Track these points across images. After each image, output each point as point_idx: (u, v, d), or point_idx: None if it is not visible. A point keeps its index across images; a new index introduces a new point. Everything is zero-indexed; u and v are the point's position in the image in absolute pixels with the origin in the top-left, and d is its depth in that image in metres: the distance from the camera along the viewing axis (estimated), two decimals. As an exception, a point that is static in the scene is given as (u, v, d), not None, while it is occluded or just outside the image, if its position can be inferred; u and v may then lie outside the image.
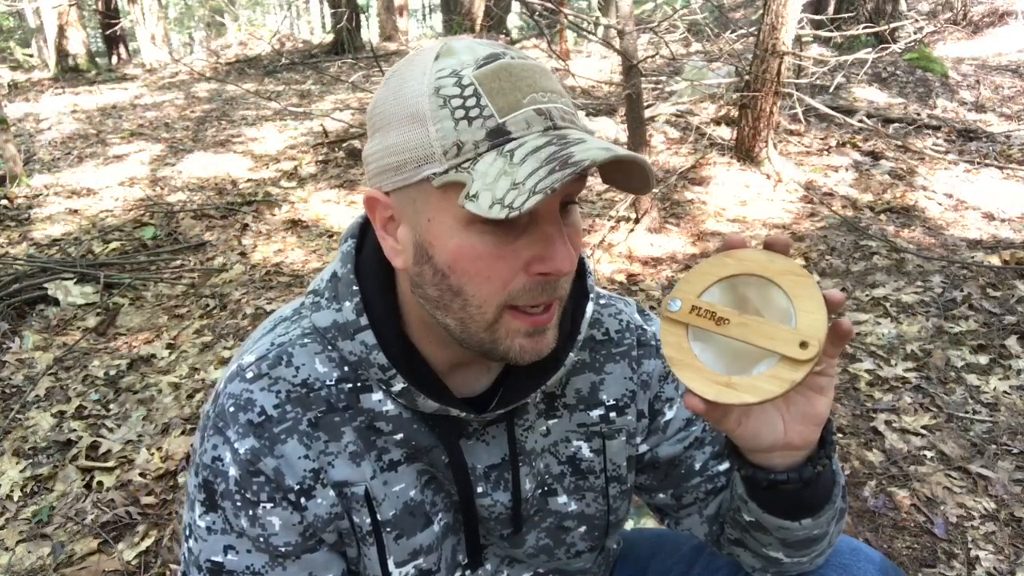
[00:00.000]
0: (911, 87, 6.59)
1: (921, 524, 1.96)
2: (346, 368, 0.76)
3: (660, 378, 0.89)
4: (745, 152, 4.90)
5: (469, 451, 0.80)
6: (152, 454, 2.38)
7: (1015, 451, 2.22)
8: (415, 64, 0.66)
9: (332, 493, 0.75)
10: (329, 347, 0.76)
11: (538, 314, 0.68)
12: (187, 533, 0.78)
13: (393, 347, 0.73)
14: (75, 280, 3.60)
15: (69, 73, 10.78)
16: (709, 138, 5.35)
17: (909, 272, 3.47)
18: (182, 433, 2.48)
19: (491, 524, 0.84)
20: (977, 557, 1.84)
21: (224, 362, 2.94)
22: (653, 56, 4.63)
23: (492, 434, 0.81)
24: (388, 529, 0.78)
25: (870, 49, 5.55)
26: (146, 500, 2.17)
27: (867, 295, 3.28)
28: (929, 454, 2.23)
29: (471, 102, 0.62)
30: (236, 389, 0.74)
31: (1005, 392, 2.52)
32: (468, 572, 0.86)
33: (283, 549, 0.75)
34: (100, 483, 2.25)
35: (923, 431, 2.33)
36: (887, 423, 2.37)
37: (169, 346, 3.12)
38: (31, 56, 14.47)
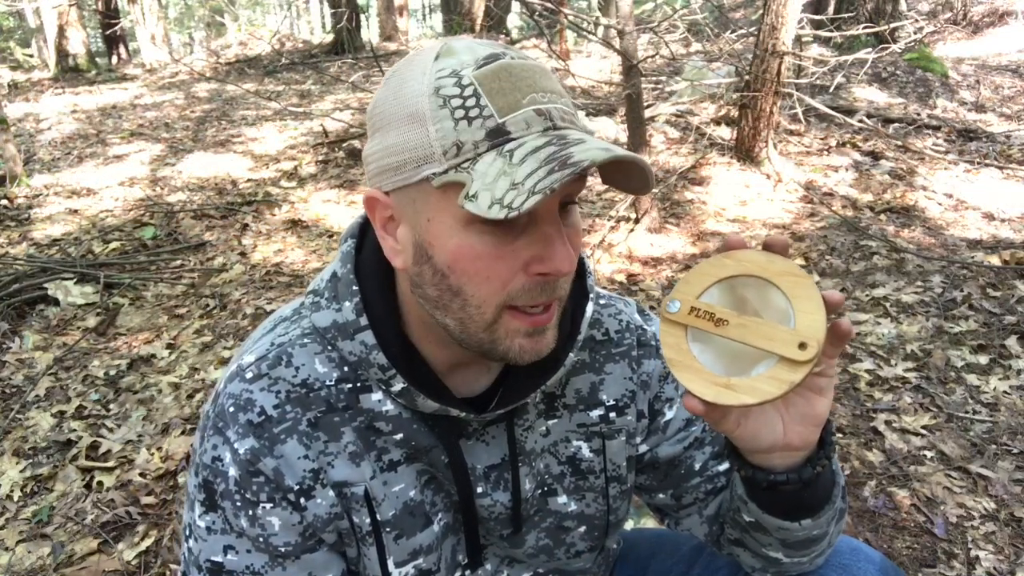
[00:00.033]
0: (911, 87, 6.59)
1: (921, 524, 1.96)
2: (346, 368, 0.76)
3: (660, 378, 0.89)
4: (745, 152, 4.90)
5: (469, 451, 0.80)
6: (152, 454, 2.38)
7: (1015, 451, 2.22)
8: (415, 64, 0.66)
9: (332, 493, 0.75)
10: (329, 347, 0.76)
11: (538, 314, 0.68)
12: (187, 533, 0.78)
13: (393, 347, 0.73)
14: (75, 280, 3.60)
15: (69, 73, 10.78)
16: (709, 138, 5.35)
17: (909, 272, 3.47)
18: (182, 433, 2.48)
19: (491, 524, 0.84)
20: (977, 557, 1.84)
21: (224, 362, 2.94)
22: (653, 56, 4.63)
23: (492, 434, 0.81)
24: (388, 529, 0.78)
25: (870, 49, 5.55)
26: (146, 500, 2.17)
27: (867, 295, 3.28)
28: (929, 454, 2.23)
29: (471, 102, 0.62)
30: (236, 389, 0.74)
31: (1005, 392, 2.52)
32: (468, 572, 0.86)
33: (283, 549, 0.75)
34: (100, 483, 2.25)
35: (923, 431, 2.33)
36: (887, 423, 2.37)
37: (169, 346, 3.12)
38: (31, 56, 14.47)
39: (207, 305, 3.49)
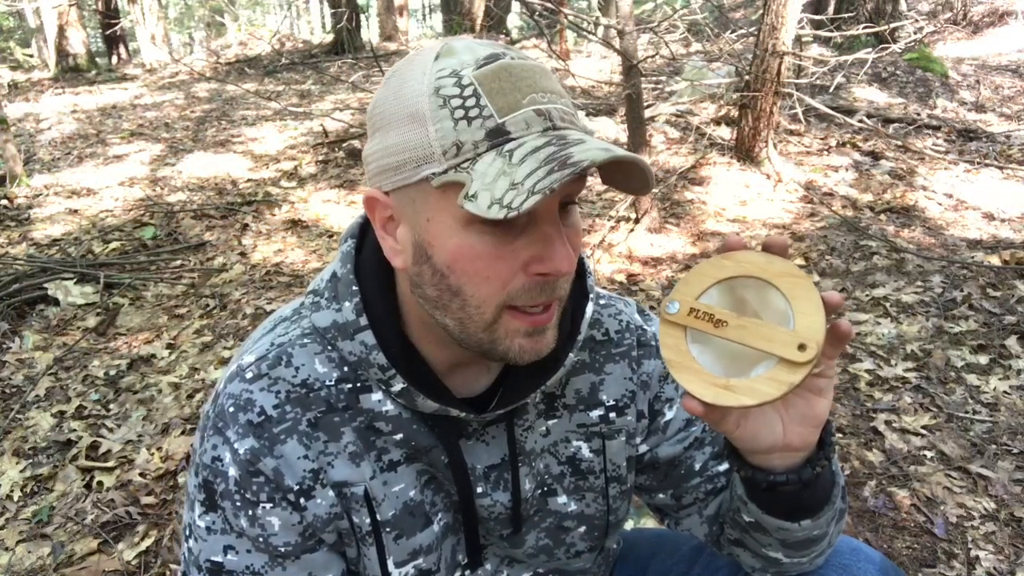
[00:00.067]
0: (911, 87, 6.59)
1: (921, 524, 1.96)
2: (346, 368, 0.76)
3: (660, 378, 0.89)
4: (745, 152, 4.90)
5: (469, 451, 0.80)
6: (152, 454, 2.38)
7: (1015, 451, 2.23)
8: (415, 64, 0.66)
9: (331, 493, 0.75)
10: (329, 347, 0.76)
11: (537, 314, 0.68)
12: (187, 533, 0.78)
13: (393, 347, 0.73)
14: (75, 280, 3.60)
15: (69, 73, 10.78)
16: (709, 138, 5.35)
17: (909, 272, 3.47)
18: (182, 433, 2.48)
19: (491, 524, 0.84)
20: (977, 557, 1.84)
21: (224, 362, 2.94)
22: (653, 56, 4.63)
23: (492, 434, 0.81)
24: (388, 529, 0.78)
25: (870, 49, 5.55)
26: (146, 500, 2.17)
27: (867, 295, 3.28)
28: (929, 454, 2.23)
29: (471, 102, 0.62)
30: (236, 389, 0.74)
31: (1005, 392, 2.52)
32: (468, 572, 0.86)
33: (283, 549, 0.75)
34: (100, 483, 2.25)
35: (923, 431, 2.33)
36: (887, 423, 2.37)
37: (169, 346, 3.12)
38: (31, 56, 14.48)
39: (207, 305, 3.49)
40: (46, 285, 3.54)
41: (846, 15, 7.56)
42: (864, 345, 2.85)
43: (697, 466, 0.89)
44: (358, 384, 0.75)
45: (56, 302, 3.48)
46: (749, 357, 0.61)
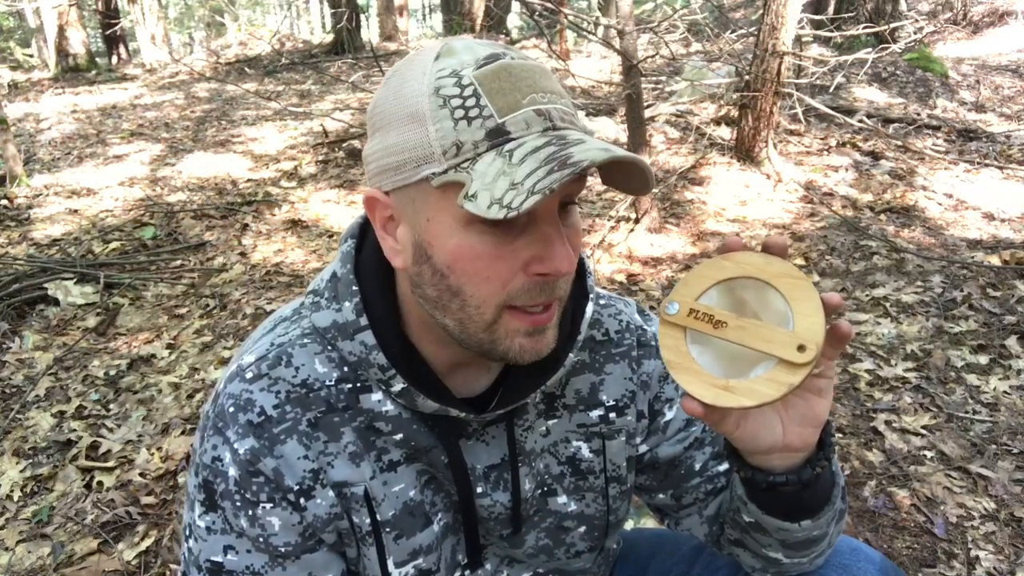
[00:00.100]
0: (911, 87, 6.59)
1: (921, 524, 1.96)
2: (346, 368, 0.76)
3: (660, 379, 0.90)
4: (745, 152, 4.90)
5: (469, 451, 0.80)
6: (152, 454, 2.38)
7: (1015, 451, 2.23)
8: (415, 64, 0.66)
9: (331, 493, 0.75)
10: (329, 347, 0.76)
11: (538, 313, 0.68)
12: (187, 533, 0.78)
13: (393, 347, 0.73)
14: (75, 280, 3.60)
15: (69, 73, 10.78)
16: (709, 138, 5.35)
17: (909, 272, 3.47)
18: (182, 433, 2.48)
19: (491, 524, 0.84)
20: (977, 557, 1.84)
21: (224, 362, 2.94)
22: (653, 56, 4.63)
23: (492, 434, 0.81)
24: (388, 529, 0.78)
25: (870, 49, 5.55)
26: (146, 500, 2.17)
27: (867, 295, 3.28)
28: (929, 454, 2.23)
29: (471, 102, 0.62)
30: (236, 389, 0.75)
31: (1005, 392, 2.52)
32: (468, 572, 0.86)
33: (283, 549, 0.75)
34: (100, 483, 2.25)
35: (923, 431, 2.33)
36: (887, 423, 2.37)
37: (169, 346, 3.12)
38: (31, 56, 14.48)
39: (207, 305, 3.49)
40: (46, 285, 3.54)
41: (846, 15, 7.56)
42: (864, 345, 2.85)
43: (697, 466, 0.89)
44: (358, 384, 0.75)
45: (56, 302, 3.48)
46: (748, 358, 0.61)
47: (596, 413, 0.86)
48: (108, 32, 11.93)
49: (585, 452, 0.86)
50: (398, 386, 0.72)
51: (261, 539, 0.74)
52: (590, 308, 0.80)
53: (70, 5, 10.83)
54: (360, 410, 0.75)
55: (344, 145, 5.81)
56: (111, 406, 2.71)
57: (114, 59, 12.21)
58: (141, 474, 2.28)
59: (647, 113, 4.96)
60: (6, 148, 5.13)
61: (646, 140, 4.06)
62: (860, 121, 5.43)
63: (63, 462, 2.37)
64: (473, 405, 0.77)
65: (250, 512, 0.73)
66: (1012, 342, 2.80)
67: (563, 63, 6.69)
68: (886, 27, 5.40)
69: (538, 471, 0.85)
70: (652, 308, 3.13)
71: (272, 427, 0.73)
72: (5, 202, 4.92)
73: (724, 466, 0.90)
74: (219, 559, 0.75)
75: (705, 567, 0.98)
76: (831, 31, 5.26)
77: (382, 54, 9.61)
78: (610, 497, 0.88)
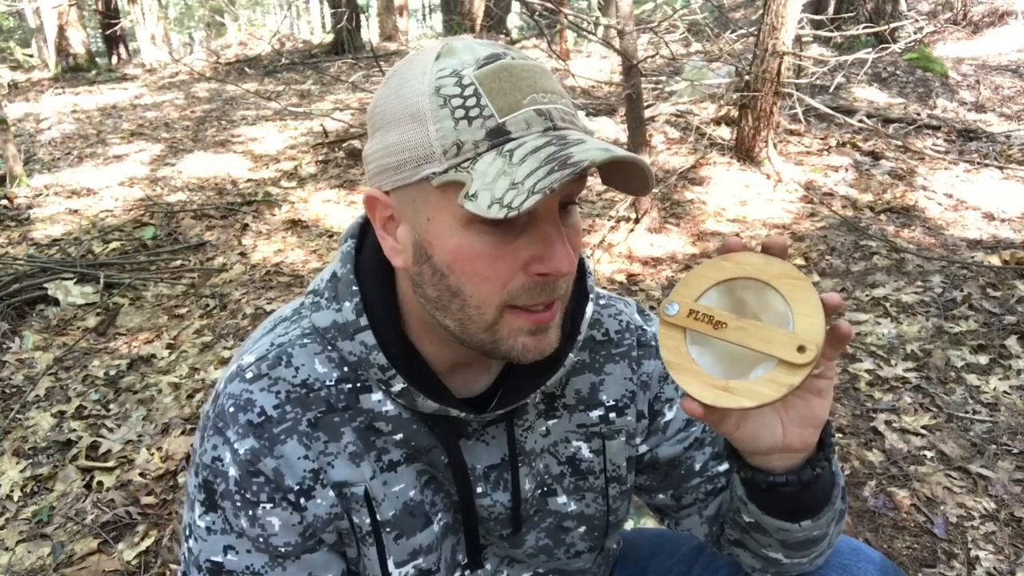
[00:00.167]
0: (911, 87, 6.59)
1: (921, 524, 1.96)
2: (346, 368, 0.76)
3: (660, 379, 0.90)
4: (745, 152, 4.90)
5: (469, 451, 0.80)
6: (152, 454, 2.38)
7: (1015, 451, 2.23)
8: (416, 64, 0.66)
9: (332, 493, 0.75)
10: (329, 347, 0.76)
11: (540, 312, 0.68)
12: (187, 533, 0.78)
13: (393, 347, 0.73)
14: (75, 280, 3.60)
15: (69, 73, 10.78)
16: (709, 138, 5.35)
17: (909, 272, 3.47)
18: (182, 433, 2.48)
19: (491, 524, 0.84)
20: (977, 557, 1.84)
21: (224, 362, 2.94)
22: (653, 56, 4.63)
23: (492, 434, 0.81)
24: (388, 529, 0.78)
25: (870, 49, 5.55)
26: (146, 500, 2.17)
27: (867, 295, 3.28)
28: (929, 454, 2.23)
29: (471, 102, 0.62)
30: (236, 389, 0.75)
31: (1005, 392, 2.52)
32: (468, 572, 0.86)
33: (283, 549, 0.75)
34: (100, 483, 2.25)
35: (923, 431, 2.33)
36: (887, 423, 2.37)
37: (169, 346, 3.13)
38: (31, 56, 14.48)
39: (207, 305, 3.49)
40: (46, 285, 3.54)
41: (846, 15, 7.56)
42: (864, 345, 2.85)
43: (697, 466, 0.89)
44: (358, 384, 0.75)
45: (56, 302, 3.48)
46: (748, 359, 0.61)
47: (596, 413, 0.86)
48: (108, 32, 11.93)
49: (585, 452, 0.86)
50: (398, 386, 0.72)
51: (261, 539, 0.74)
52: (590, 308, 0.80)
53: (70, 5, 10.83)
54: (360, 410, 0.75)
55: (344, 145, 5.81)
56: (111, 406, 2.71)
57: (114, 59, 12.21)
58: (141, 474, 2.28)
59: (647, 113, 4.96)
60: (6, 148, 5.13)
61: (646, 140, 4.06)
62: (860, 121, 5.43)
63: (63, 462, 2.37)
64: (473, 405, 0.77)
65: (250, 512, 0.73)
66: (1012, 342, 2.80)
67: (563, 63, 6.69)
68: (886, 27, 5.40)
69: (538, 471, 0.85)
70: (652, 308, 3.13)
71: (272, 427, 0.73)
72: (5, 202, 4.92)
73: (724, 466, 0.90)
74: (219, 559, 0.75)
75: (705, 567, 0.98)
76: (831, 31, 5.26)
77: (382, 54, 9.61)
78: (610, 497, 0.88)
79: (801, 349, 0.57)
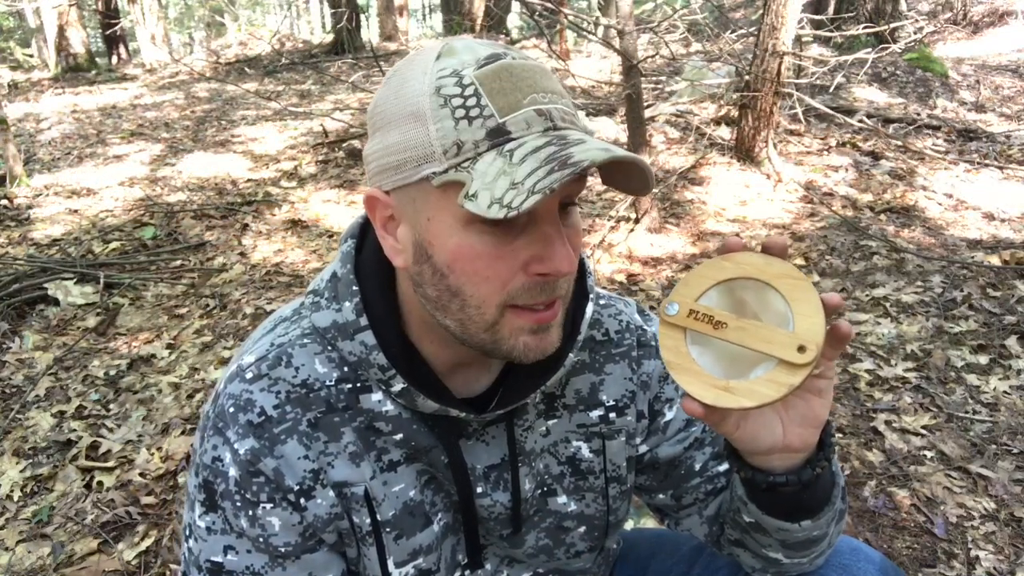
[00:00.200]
0: (911, 87, 6.59)
1: (921, 524, 1.96)
2: (346, 368, 0.76)
3: (660, 379, 0.89)
4: (745, 152, 4.90)
5: (469, 451, 0.80)
6: (152, 454, 2.38)
7: (1015, 451, 2.23)
8: (416, 63, 0.66)
9: (332, 493, 0.75)
10: (329, 347, 0.76)
11: (541, 311, 0.68)
12: (187, 533, 0.78)
13: (393, 347, 0.73)
14: (75, 280, 3.60)
15: (69, 73, 10.78)
16: (709, 138, 5.35)
17: (909, 272, 3.47)
18: (182, 433, 2.48)
19: (491, 524, 0.84)
20: (977, 557, 1.84)
21: (224, 362, 2.94)
22: (653, 56, 4.63)
23: (492, 434, 0.81)
24: (388, 529, 0.78)
25: (870, 49, 5.55)
26: (146, 500, 2.17)
27: (867, 295, 3.28)
28: (929, 454, 2.23)
29: (471, 102, 0.62)
30: (236, 390, 0.75)
31: (1005, 392, 2.52)
32: (468, 572, 0.86)
33: (283, 549, 0.75)
34: (100, 483, 2.25)
35: (923, 431, 2.33)
36: (887, 423, 2.37)
37: (169, 346, 3.12)
38: (31, 56, 14.48)
39: (207, 305, 3.49)
40: (46, 285, 3.54)
41: (846, 15, 7.56)
42: (864, 345, 2.85)
43: (697, 466, 0.89)
44: (358, 384, 0.75)
45: (56, 302, 3.48)
46: (749, 359, 0.61)
47: (596, 413, 0.86)
48: (108, 32, 11.93)
49: (585, 452, 0.86)
50: (398, 386, 0.72)
51: (261, 539, 0.74)
52: (590, 308, 0.80)
53: (70, 5, 10.83)
54: (360, 410, 0.75)
55: (344, 145, 5.81)
56: (111, 406, 2.71)
57: (114, 59, 12.21)
58: (141, 474, 2.28)
59: (647, 113, 4.96)
60: (6, 148, 5.13)
61: (646, 140, 4.06)
62: (860, 121, 5.43)
63: (63, 462, 2.37)
64: (473, 405, 0.77)
65: (250, 512, 0.73)
66: (1012, 342, 2.80)
67: (563, 63, 6.69)
68: (886, 27, 5.40)
69: (538, 471, 0.85)
70: (652, 308, 3.13)
71: (272, 427, 0.73)
72: (5, 202, 4.92)
73: (724, 466, 0.90)
74: (219, 559, 0.75)
75: (705, 567, 0.98)
76: (831, 31, 5.27)
77: (382, 54, 9.61)
78: (610, 497, 0.88)
79: (801, 349, 0.57)
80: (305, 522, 0.75)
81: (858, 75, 6.43)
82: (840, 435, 2.33)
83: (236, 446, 0.73)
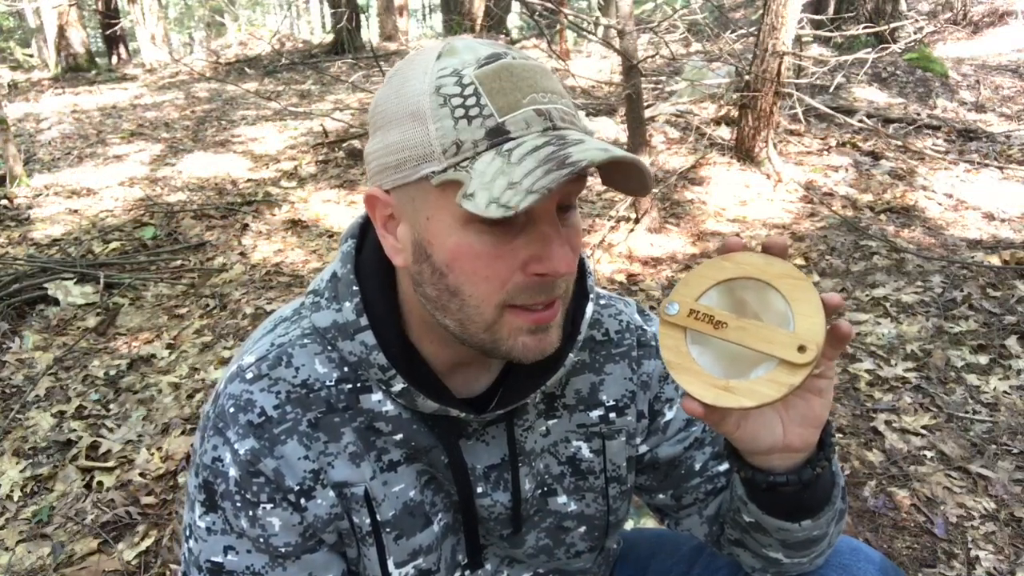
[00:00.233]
0: (911, 87, 6.59)
1: (921, 524, 1.96)
2: (346, 368, 0.76)
3: (660, 379, 0.89)
4: (745, 152, 4.90)
5: (469, 451, 0.80)
6: (152, 454, 2.38)
7: (1015, 451, 2.23)
8: (417, 63, 0.66)
9: (332, 494, 0.75)
10: (329, 347, 0.76)
11: (540, 311, 0.68)
12: (187, 533, 0.78)
13: (393, 347, 0.73)
14: (75, 280, 3.60)
15: (69, 73, 10.78)
16: (709, 138, 5.35)
17: (909, 272, 3.47)
18: (182, 433, 2.48)
19: (491, 524, 0.84)
20: (977, 557, 1.84)
21: (224, 362, 2.94)
22: (653, 56, 4.63)
23: (492, 434, 0.81)
24: (388, 529, 0.78)
25: (870, 49, 5.55)
26: (146, 500, 2.17)
27: (867, 295, 3.28)
28: (929, 454, 2.23)
29: (471, 101, 0.62)
30: (236, 390, 0.74)
31: (1005, 392, 2.52)
32: (468, 572, 0.86)
33: (283, 549, 0.75)
34: (100, 483, 2.25)
35: (923, 431, 2.33)
36: (887, 423, 2.37)
37: (169, 346, 3.12)
38: (31, 56, 14.48)
39: (207, 305, 3.49)
40: (46, 285, 3.54)
41: (846, 15, 7.56)
42: (864, 345, 2.85)
43: (697, 466, 0.89)
44: (358, 384, 0.75)
45: (56, 302, 3.48)
46: (749, 358, 0.61)
47: (596, 413, 0.86)
48: (108, 32, 11.93)
49: (585, 452, 0.86)
50: (398, 386, 0.72)
51: (261, 539, 0.74)
52: (590, 308, 0.80)
53: (70, 5, 10.83)
54: (360, 410, 0.75)
55: (344, 145, 5.81)
56: (111, 406, 2.71)
57: (114, 59, 12.21)
58: (141, 474, 2.28)
59: (647, 113, 4.96)
60: (6, 148, 5.13)
61: (646, 140, 4.06)
62: (860, 121, 5.43)
63: (63, 462, 2.37)
64: (473, 405, 0.77)
65: (250, 512, 0.73)
66: (1012, 342, 2.80)
67: (563, 63, 6.69)
68: (886, 27, 5.40)
69: (538, 471, 0.85)
70: (652, 308, 3.13)
71: (272, 427, 0.73)
72: (5, 202, 4.92)
73: (724, 466, 0.90)
74: (219, 559, 0.75)
75: (705, 567, 0.98)
76: (831, 31, 5.27)
77: (382, 54, 9.61)
78: (610, 497, 0.88)
79: (802, 349, 0.57)
80: (305, 522, 0.75)
81: (858, 75, 6.43)
82: (840, 435, 2.33)
83: (236, 446, 0.73)
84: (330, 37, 11.54)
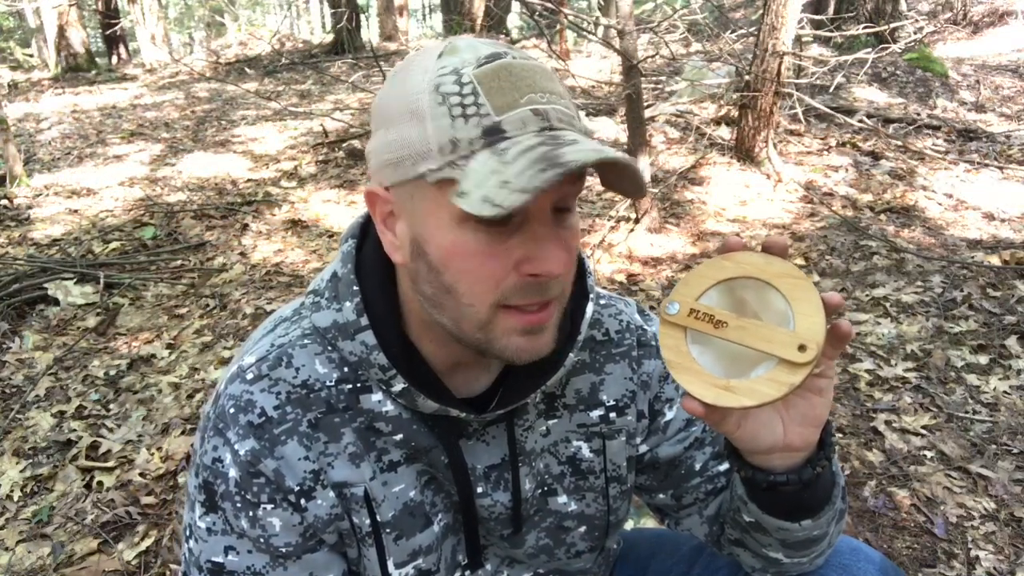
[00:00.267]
0: (911, 87, 6.59)
1: (921, 524, 1.96)
2: (346, 369, 0.76)
3: (660, 378, 0.89)
4: (745, 152, 4.90)
5: (469, 451, 0.80)
6: (152, 454, 2.38)
7: (1015, 451, 2.23)
8: (418, 61, 0.67)
9: (332, 494, 0.75)
10: (329, 348, 0.76)
11: (533, 312, 0.67)
12: (187, 534, 0.78)
13: (393, 347, 0.73)
14: (75, 280, 3.60)
15: (69, 73, 10.78)
16: (709, 138, 5.35)
17: (909, 272, 3.47)
18: (182, 433, 2.48)
19: (491, 524, 0.84)
20: (977, 557, 1.84)
21: (224, 362, 2.94)
22: (653, 56, 4.63)
23: (492, 434, 0.81)
24: (388, 530, 0.78)
25: (870, 49, 5.55)
26: (146, 500, 2.17)
27: (867, 295, 3.28)
28: (929, 454, 2.23)
29: (469, 100, 0.62)
30: (236, 390, 0.74)
31: (1005, 392, 2.52)
32: (468, 572, 0.86)
33: (283, 550, 0.75)
34: (100, 483, 2.25)
35: (923, 431, 2.33)
36: (887, 423, 2.37)
37: (169, 346, 3.12)
38: (31, 56, 14.48)
39: (207, 305, 3.49)
40: (46, 285, 3.54)
41: (846, 15, 7.56)
42: (864, 345, 2.85)
43: (697, 466, 0.89)
44: (358, 384, 0.75)
45: (56, 302, 3.48)
46: (749, 358, 0.61)
47: (596, 413, 0.86)
48: (108, 32, 11.93)
49: (585, 452, 0.86)
50: (398, 386, 0.72)
51: (262, 540, 0.74)
52: (590, 308, 0.80)
53: (70, 5, 10.83)
54: (360, 410, 0.75)
55: (344, 145, 5.81)
56: (111, 406, 2.71)
57: (114, 59, 12.21)
58: (141, 474, 2.28)
59: (647, 113, 4.96)
60: (6, 148, 5.13)
61: (646, 140, 4.06)
62: (860, 121, 5.43)
63: (63, 462, 2.37)
64: (473, 405, 0.77)
65: (251, 513, 0.73)
66: (1012, 342, 2.80)
67: (563, 63, 6.69)
68: (886, 27, 5.40)
69: (538, 471, 0.85)
70: (652, 308, 3.13)
71: (273, 428, 0.73)
72: (5, 202, 4.92)
73: (724, 466, 0.90)
74: (220, 560, 0.75)
75: (705, 567, 0.98)
76: (831, 31, 5.27)
77: (382, 54, 9.61)
78: (610, 497, 0.88)
79: (802, 348, 0.57)
80: (305, 523, 0.75)
81: (858, 75, 6.42)
82: (840, 435, 2.33)
83: (236, 447, 0.73)
84: (330, 37, 11.54)
